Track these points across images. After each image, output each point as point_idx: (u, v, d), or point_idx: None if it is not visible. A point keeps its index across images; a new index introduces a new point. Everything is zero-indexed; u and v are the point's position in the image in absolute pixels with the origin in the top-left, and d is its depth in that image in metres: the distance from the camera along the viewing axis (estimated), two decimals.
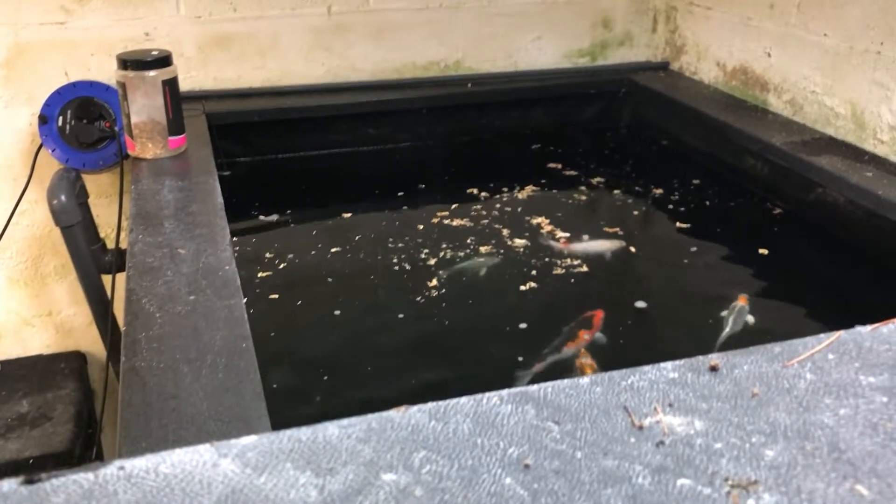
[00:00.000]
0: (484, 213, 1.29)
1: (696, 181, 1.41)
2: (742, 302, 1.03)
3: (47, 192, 1.20)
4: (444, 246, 1.18)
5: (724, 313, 1.01)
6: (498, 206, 1.32)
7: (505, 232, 1.22)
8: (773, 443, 0.47)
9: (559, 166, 1.51)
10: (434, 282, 1.07)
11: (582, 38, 1.72)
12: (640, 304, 1.02)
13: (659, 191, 1.38)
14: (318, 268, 1.13)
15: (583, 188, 1.41)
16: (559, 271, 1.09)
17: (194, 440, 0.55)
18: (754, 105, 1.48)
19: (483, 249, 1.16)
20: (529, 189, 1.39)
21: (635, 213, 1.31)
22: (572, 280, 1.08)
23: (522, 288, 1.06)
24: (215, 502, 0.41)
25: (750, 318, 1.00)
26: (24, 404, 1.37)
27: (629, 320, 0.99)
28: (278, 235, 1.24)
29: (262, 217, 1.27)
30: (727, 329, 0.99)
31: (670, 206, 1.32)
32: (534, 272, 1.10)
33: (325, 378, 0.89)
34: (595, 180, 1.44)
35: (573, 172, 1.48)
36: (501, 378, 0.86)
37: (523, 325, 0.98)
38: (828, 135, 1.31)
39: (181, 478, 0.43)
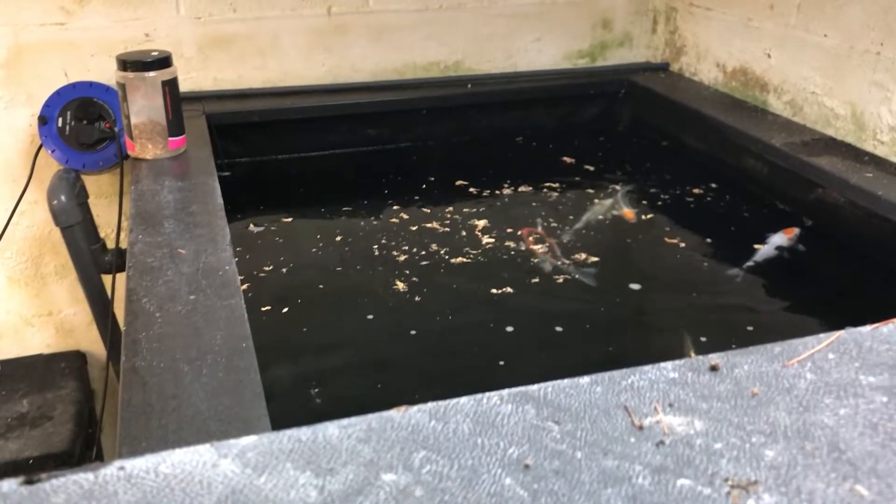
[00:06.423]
0: (480, 214, 1.29)
1: (695, 181, 1.41)
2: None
3: (47, 192, 1.21)
4: (446, 246, 1.18)
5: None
6: (496, 205, 1.32)
7: (499, 241, 1.22)
8: (773, 443, 0.47)
9: (559, 166, 1.51)
10: (439, 282, 1.08)
11: (582, 38, 1.72)
12: (635, 286, 1.08)
13: (657, 190, 1.38)
14: (319, 267, 1.13)
15: (579, 188, 1.41)
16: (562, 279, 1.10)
17: (194, 440, 0.54)
18: (754, 106, 1.48)
19: (486, 242, 1.17)
20: (529, 188, 1.39)
21: (632, 210, 1.31)
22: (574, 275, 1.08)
23: (499, 290, 1.06)
24: (215, 503, 0.41)
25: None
26: (24, 404, 1.37)
27: (618, 298, 1.07)
28: (277, 235, 1.24)
29: (252, 226, 1.27)
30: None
31: (669, 205, 1.32)
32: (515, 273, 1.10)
33: (325, 381, 0.89)
34: (593, 179, 1.44)
35: (572, 172, 1.48)
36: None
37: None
38: (828, 135, 1.31)
39: (181, 478, 0.43)
